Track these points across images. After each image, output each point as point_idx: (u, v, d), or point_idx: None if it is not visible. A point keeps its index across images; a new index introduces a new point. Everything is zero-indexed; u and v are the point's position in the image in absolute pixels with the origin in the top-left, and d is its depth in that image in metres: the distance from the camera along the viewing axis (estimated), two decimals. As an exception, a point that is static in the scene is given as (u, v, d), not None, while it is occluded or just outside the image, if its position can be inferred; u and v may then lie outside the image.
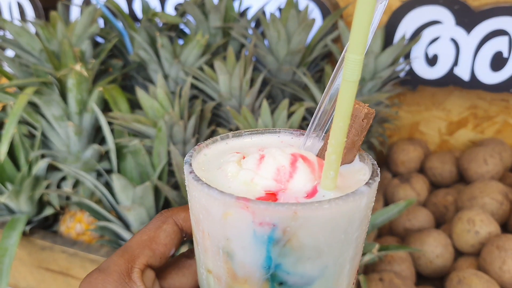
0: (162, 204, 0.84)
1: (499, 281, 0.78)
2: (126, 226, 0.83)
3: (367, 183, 0.26)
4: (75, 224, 0.94)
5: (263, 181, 0.27)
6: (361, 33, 0.23)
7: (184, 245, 0.76)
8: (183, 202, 0.82)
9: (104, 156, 0.92)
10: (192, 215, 0.29)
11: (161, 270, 0.33)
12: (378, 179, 0.28)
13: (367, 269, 0.84)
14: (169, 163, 0.83)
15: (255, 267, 0.26)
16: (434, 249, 0.85)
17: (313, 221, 0.24)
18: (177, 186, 0.84)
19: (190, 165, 0.29)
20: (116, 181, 0.77)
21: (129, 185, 0.78)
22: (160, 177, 0.83)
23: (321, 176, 0.27)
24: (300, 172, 0.28)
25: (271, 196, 0.27)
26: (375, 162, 0.29)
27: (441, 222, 0.97)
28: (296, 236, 0.24)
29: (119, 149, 0.87)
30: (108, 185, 0.88)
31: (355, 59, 0.24)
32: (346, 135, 0.26)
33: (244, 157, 0.31)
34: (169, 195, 0.81)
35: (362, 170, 0.30)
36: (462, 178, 1.06)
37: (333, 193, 0.27)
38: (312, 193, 0.27)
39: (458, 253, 0.89)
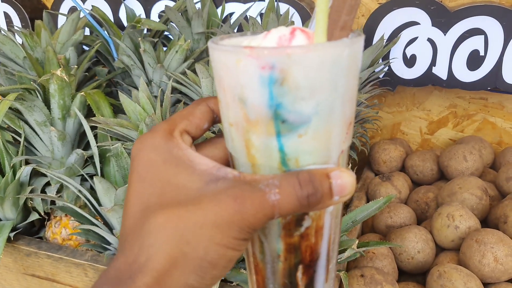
0: (146, 207, 0.85)
1: (479, 274, 0.80)
2: (110, 229, 0.84)
3: (349, 37, 0.31)
4: (61, 230, 0.95)
5: (267, 45, 0.32)
6: None
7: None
8: (166, 204, 0.83)
9: (88, 161, 0.93)
10: (216, 79, 0.34)
11: (198, 144, 0.40)
12: (361, 38, 0.32)
13: (349, 266, 0.85)
14: (152, 166, 0.84)
15: (262, 108, 0.31)
16: (415, 244, 0.87)
17: (303, 61, 0.29)
18: (160, 188, 0.85)
19: (213, 41, 0.34)
20: (98, 184, 0.78)
21: (111, 188, 0.79)
22: (142, 180, 0.84)
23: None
24: (297, 38, 0.33)
25: None
26: (362, 33, 0.34)
27: (423, 218, 0.99)
28: (290, 74, 0.29)
29: (103, 154, 0.88)
30: (92, 190, 0.88)
31: None
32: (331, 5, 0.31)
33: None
34: (152, 197, 0.82)
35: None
36: (443, 176, 1.08)
37: None
38: None
39: (439, 249, 0.90)
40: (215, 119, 0.40)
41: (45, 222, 0.97)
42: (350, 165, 1.05)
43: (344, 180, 0.33)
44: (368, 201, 1.03)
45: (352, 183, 0.33)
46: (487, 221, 0.93)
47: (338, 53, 0.30)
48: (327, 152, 0.33)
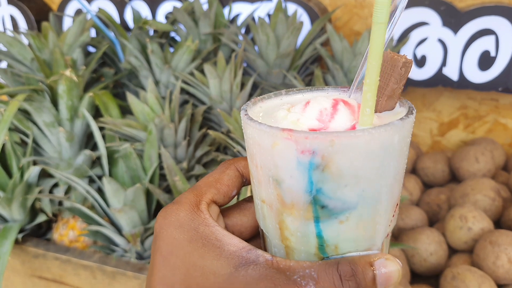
0: (154, 208, 0.84)
1: (493, 276, 0.78)
2: (119, 230, 0.83)
3: (401, 118, 0.29)
4: (68, 231, 0.94)
5: (307, 121, 0.31)
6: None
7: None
8: (175, 205, 0.82)
9: (96, 162, 0.92)
10: (248, 153, 0.33)
11: (225, 210, 0.38)
12: (412, 116, 0.30)
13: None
14: (160, 167, 0.84)
15: (299, 192, 0.29)
16: (428, 246, 0.85)
17: (348, 149, 0.27)
18: (169, 190, 0.84)
19: (246, 111, 0.33)
20: (107, 184, 0.77)
21: (120, 189, 0.78)
22: (151, 181, 0.83)
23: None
24: (340, 113, 0.31)
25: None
26: (412, 105, 0.32)
27: (435, 220, 0.97)
28: (333, 162, 0.27)
29: (111, 155, 0.87)
30: (100, 191, 0.88)
31: (382, 1, 0.26)
32: (379, 74, 0.29)
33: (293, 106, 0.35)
34: (161, 198, 0.81)
35: (400, 113, 0.33)
36: (454, 177, 1.07)
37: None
38: (351, 129, 0.30)
39: (452, 250, 0.89)
40: (245, 183, 0.38)
41: (52, 224, 0.96)
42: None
43: (390, 269, 0.30)
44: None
45: (398, 272, 0.30)
46: (500, 222, 0.92)
47: (388, 139, 0.28)
48: (371, 238, 0.31)
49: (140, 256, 0.85)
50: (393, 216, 0.32)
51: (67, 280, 0.90)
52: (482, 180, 0.93)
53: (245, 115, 0.32)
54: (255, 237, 0.39)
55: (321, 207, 0.29)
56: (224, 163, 0.38)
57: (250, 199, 0.39)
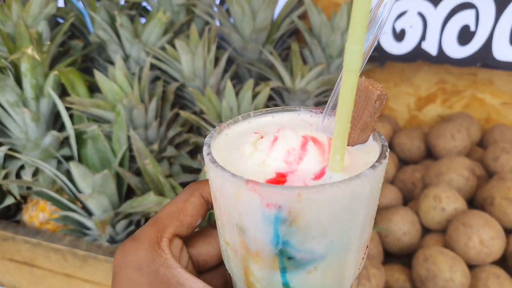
0: (125, 191, 0.82)
1: (464, 257, 0.79)
2: (90, 214, 0.81)
3: (372, 166, 0.27)
4: (38, 213, 0.92)
5: (274, 163, 0.29)
6: (360, 23, 0.24)
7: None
8: (146, 189, 0.80)
9: (64, 142, 0.89)
10: (212, 194, 0.31)
11: (189, 238, 0.36)
12: (385, 161, 0.28)
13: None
14: (130, 149, 0.81)
15: (265, 243, 0.28)
16: (401, 226, 0.86)
17: (316, 203, 0.26)
18: (139, 173, 0.82)
19: (209, 146, 0.31)
20: (75, 169, 0.75)
21: (88, 173, 0.76)
22: (121, 164, 0.80)
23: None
24: (309, 154, 0.29)
25: (281, 177, 0.28)
26: (386, 143, 0.30)
27: (409, 199, 0.98)
28: (301, 216, 0.26)
29: (79, 135, 0.84)
30: (69, 173, 0.85)
31: (354, 49, 0.24)
32: (350, 121, 0.27)
33: (262, 137, 0.33)
34: (131, 182, 0.79)
35: (372, 152, 0.31)
36: (430, 154, 1.07)
37: (340, 175, 0.28)
38: (320, 174, 0.29)
39: (425, 230, 0.90)
40: (210, 209, 0.36)
41: (22, 205, 0.94)
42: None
43: None
44: (354, 180, 1.01)
45: None
46: (473, 201, 0.92)
47: (358, 191, 0.27)
48: (340, 284, 0.30)
49: (112, 240, 0.83)
50: (362, 258, 0.31)
51: (38, 262, 0.89)
52: (457, 159, 0.93)
53: (208, 154, 0.30)
54: (223, 263, 0.38)
55: (288, 258, 0.28)
56: (188, 188, 0.36)
57: (215, 225, 0.37)
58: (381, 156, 0.29)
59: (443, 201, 0.85)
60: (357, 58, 0.24)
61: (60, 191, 0.87)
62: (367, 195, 0.27)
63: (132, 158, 0.84)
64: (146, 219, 0.85)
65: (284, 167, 0.29)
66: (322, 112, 0.36)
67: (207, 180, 0.35)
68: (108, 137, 0.82)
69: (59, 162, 0.88)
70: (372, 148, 0.31)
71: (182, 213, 0.34)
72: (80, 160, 0.84)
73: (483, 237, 0.78)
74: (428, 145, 1.05)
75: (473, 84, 1.13)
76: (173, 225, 0.33)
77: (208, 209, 0.36)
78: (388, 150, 0.29)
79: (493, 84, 1.12)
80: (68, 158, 0.87)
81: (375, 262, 0.78)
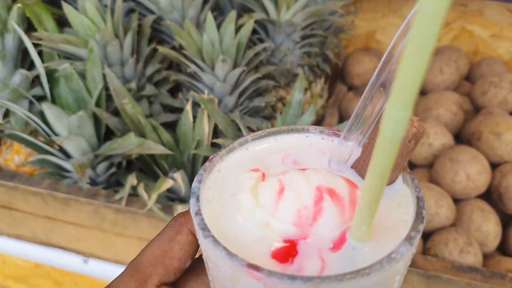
0: (104, 133, 0.78)
1: (450, 192, 0.79)
2: (68, 156, 0.78)
3: (408, 238, 0.22)
4: (13, 156, 0.88)
5: (281, 226, 0.24)
6: (410, 83, 0.17)
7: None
8: (126, 130, 0.76)
9: (35, 82, 0.84)
10: (202, 254, 0.26)
11: (178, 278, 0.31)
12: (422, 226, 0.23)
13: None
14: (106, 88, 0.76)
15: None
16: (388, 163, 0.85)
17: None
18: (118, 113, 0.77)
19: (197, 199, 0.25)
20: (48, 110, 0.70)
21: (63, 114, 0.71)
22: (98, 103, 0.76)
23: (353, 217, 0.24)
24: (326, 215, 0.24)
25: (291, 248, 0.24)
26: (422, 193, 0.25)
27: (396, 134, 0.96)
28: None
29: (51, 74, 0.79)
30: (43, 115, 0.80)
31: (398, 116, 0.18)
32: (382, 193, 0.22)
33: (263, 176, 0.27)
34: (110, 122, 0.75)
35: (403, 203, 0.26)
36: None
37: (365, 245, 0.24)
38: (340, 242, 0.24)
39: (412, 165, 0.89)
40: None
41: (-5, 148, 0.90)
42: (323, 78, 1.00)
43: None
44: (340, 117, 0.99)
45: None
46: (460, 136, 0.91)
47: (390, 275, 0.22)
48: None
49: (93, 182, 0.81)
50: None
51: (17, 206, 0.86)
52: (446, 93, 0.91)
53: (197, 214, 0.24)
54: None
55: None
56: (173, 222, 0.30)
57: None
58: (418, 218, 0.24)
59: (431, 137, 0.84)
60: (402, 128, 0.19)
61: (34, 133, 0.83)
62: (398, 274, 0.23)
63: (109, 98, 0.79)
64: (128, 161, 0.82)
65: (294, 232, 0.24)
66: (335, 134, 0.30)
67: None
68: (82, 76, 0.77)
69: (31, 103, 0.83)
70: (402, 196, 0.26)
71: (168, 256, 0.29)
72: (54, 100, 0.79)
73: (469, 172, 0.78)
74: (416, 79, 1.02)
75: (463, 15, 1.09)
76: (158, 273, 0.28)
77: (198, 246, 0.31)
78: (425, 205, 0.24)
79: (483, 15, 1.08)
80: (41, 99, 0.81)
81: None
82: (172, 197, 0.78)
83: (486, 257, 0.76)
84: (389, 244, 0.23)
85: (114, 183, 0.83)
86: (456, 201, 0.80)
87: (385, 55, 0.25)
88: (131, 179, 0.72)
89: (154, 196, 0.69)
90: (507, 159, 0.82)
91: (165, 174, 0.75)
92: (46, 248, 0.90)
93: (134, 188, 0.74)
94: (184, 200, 0.78)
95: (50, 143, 0.78)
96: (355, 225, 0.23)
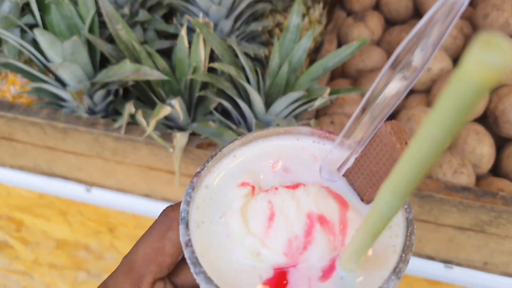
0: (100, 60, 0.77)
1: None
2: (63, 85, 0.77)
3: (395, 271, 0.23)
4: (9, 87, 0.87)
5: (271, 257, 0.24)
6: (408, 174, 0.17)
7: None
8: (121, 57, 0.75)
9: (26, 10, 0.81)
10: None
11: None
12: (411, 255, 0.23)
13: (319, 113, 0.84)
14: (99, 14, 0.74)
15: None
16: (386, 88, 0.84)
17: None
18: (112, 40, 0.76)
19: (186, 224, 0.25)
20: (40, 37, 0.69)
21: (56, 41, 0.70)
22: (91, 30, 0.74)
23: (343, 243, 0.24)
24: (316, 244, 0.24)
25: (281, 277, 0.24)
26: (412, 215, 0.24)
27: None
28: None
29: (41, 1, 0.76)
30: (36, 43, 0.79)
31: (393, 202, 0.18)
32: (370, 248, 0.22)
33: (253, 190, 0.26)
34: (104, 49, 0.74)
35: (393, 225, 0.26)
36: (418, 13, 1.02)
37: (354, 275, 0.24)
38: (329, 270, 0.24)
39: (409, 91, 0.89)
40: None
41: (-10, 80, 0.89)
42: (322, 4, 0.97)
43: None
44: (339, 43, 0.98)
45: None
46: (459, 59, 0.90)
47: None
48: None
49: (91, 111, 0.81)
50: None
51: (17, 137, 0.87)
52: (447, 16, 0.89)
53: (187, 245, 0.24)
54: None
55: None
56: (163, 218, 0.29)
57: None
58: (407, 244, 0.23)
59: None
60: (393, 213, 0.19)
61: (28, 62, 0.82)
62: None
63: (103, 24, 0.77)
64: (125, 90, 0.81)
65: (284, 262, 0.24)
66: (327, 138, 0.29)
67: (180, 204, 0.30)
68: (73, 1, 0.75)
69: (23, 32, 0.81)
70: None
71: (160, 254, 0.29)
72: (46, 27, 0.77)
73: (467, 95, 0.78)
74: (416, 3, 1.00)
75: None
76: (151, 271, 0.29)
77: None
78: (415, 229, 0.24)
79: None
80: (33, 27, 0.80)
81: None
82: (170, 125, 0.78)
83: (479, 178, 0.78)
84: (377, 275, 0.23)
85: (112, 112, 0.83)
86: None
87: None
88: (129, 107, 0.73)
89: (153, 123, 0.69)
90: (505, 82, 0.82)
91: (163, 101, 0.75)
92: (49, 178, 0.92)
93: (132, 116, 0.74)
94: (182, 128, 0.78)
95: (45, 72, 0.78)
96: (345, 259, 0.24)
